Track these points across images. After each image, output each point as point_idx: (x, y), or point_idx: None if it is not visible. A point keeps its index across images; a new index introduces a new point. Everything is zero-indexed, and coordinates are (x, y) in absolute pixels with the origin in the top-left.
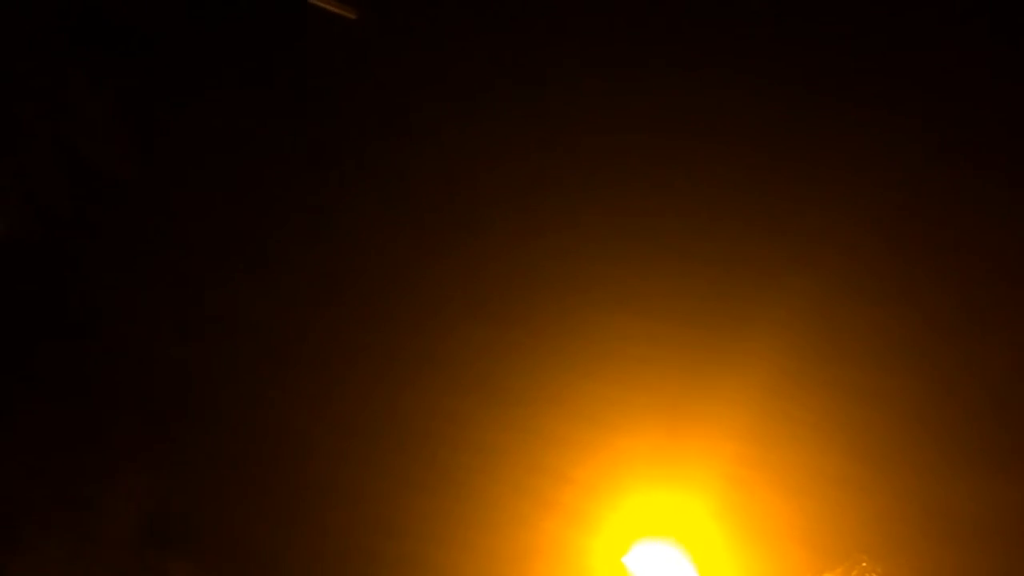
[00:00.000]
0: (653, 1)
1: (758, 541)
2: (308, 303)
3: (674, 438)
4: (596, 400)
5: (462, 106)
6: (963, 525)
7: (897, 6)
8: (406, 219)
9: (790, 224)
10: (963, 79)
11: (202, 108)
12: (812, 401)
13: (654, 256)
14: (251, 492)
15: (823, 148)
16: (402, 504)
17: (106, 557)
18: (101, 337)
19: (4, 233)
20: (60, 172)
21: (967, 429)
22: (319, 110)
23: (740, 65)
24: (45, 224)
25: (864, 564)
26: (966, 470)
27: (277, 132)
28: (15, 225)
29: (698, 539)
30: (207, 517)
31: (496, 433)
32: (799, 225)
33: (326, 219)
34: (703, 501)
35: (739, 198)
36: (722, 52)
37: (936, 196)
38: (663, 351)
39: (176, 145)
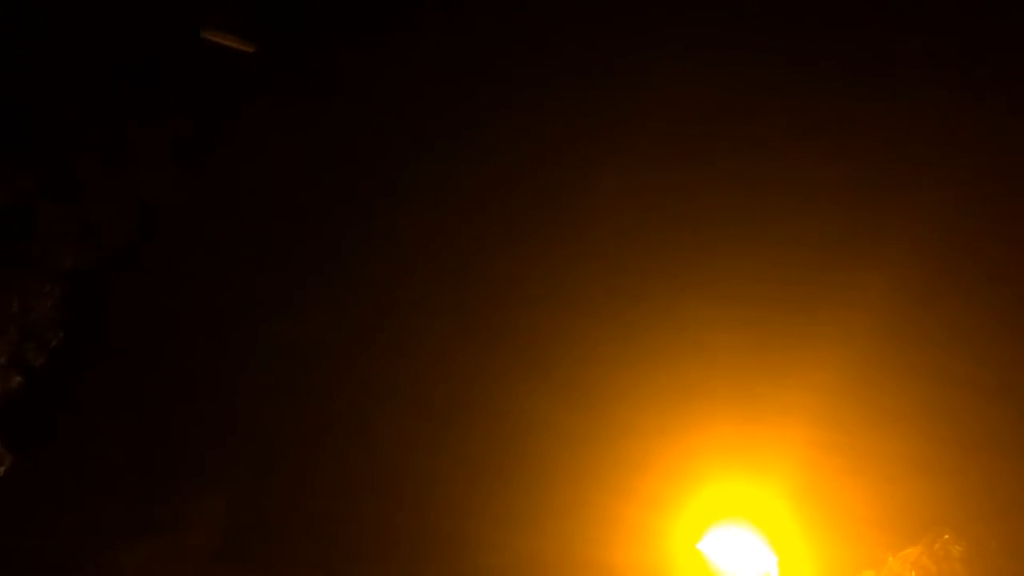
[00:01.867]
0: None
1: (836, 524)
2: (373, 300)
3: (751, 424)
4: (673, 388)
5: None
6: None
7: None
8: (483, 206)
9: (874, 207)
10: None
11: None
12: (891, 385)
13: (732, 242)
14: (330, 495)
15: (913, 129)
16: (481, 490)
17: (187, 572)
18: (170, 361)
19: (74, 264)
20: (118, 208)
21: None
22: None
23: (820, 47)
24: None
25: (946, 538)
26: None
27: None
28: (80, 256)
29: (775, 524)
30: (285, 530)
31: (573, 421)
32: (883, 209)
33: (391, 209)
34: (780, 486)
35: (820, 180)
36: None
37: None
38: (741, 337)
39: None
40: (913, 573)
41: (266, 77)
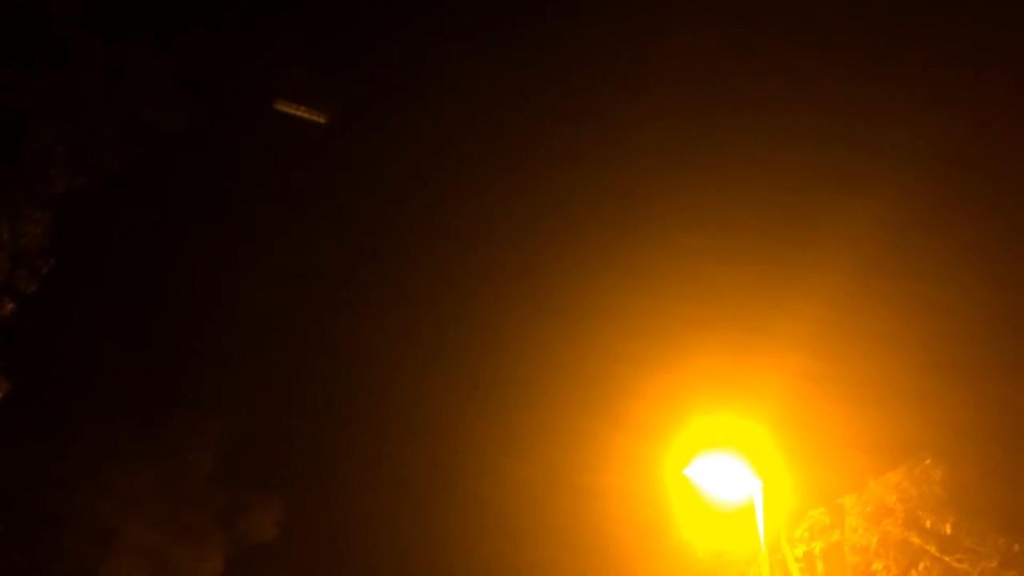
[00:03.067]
0: None
1: (819, 451)
2: (369, 229)
3: (739, 354)
4: (664, 317)
5: None
6: None
7: None
8: (477, 137)
9: (862, 139)
10: None
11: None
12: (876, 315)
13: (723, 172)
14: (325, 422)
15: (901, 65)
16: (473, 418)
17: (190, 493)
18: (167, 288)
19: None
20: (114, 129)
21: None
22: None
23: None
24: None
25: (928, 462)
26: None
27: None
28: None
29: (760, 451)
30: (284, 454)
31: (565, 349)
32: (871, 141)
33: (392, 140)
34: (766, 415)
35: (810, 113)
36: None
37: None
38: (732, 267)
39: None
40: (894, 496)
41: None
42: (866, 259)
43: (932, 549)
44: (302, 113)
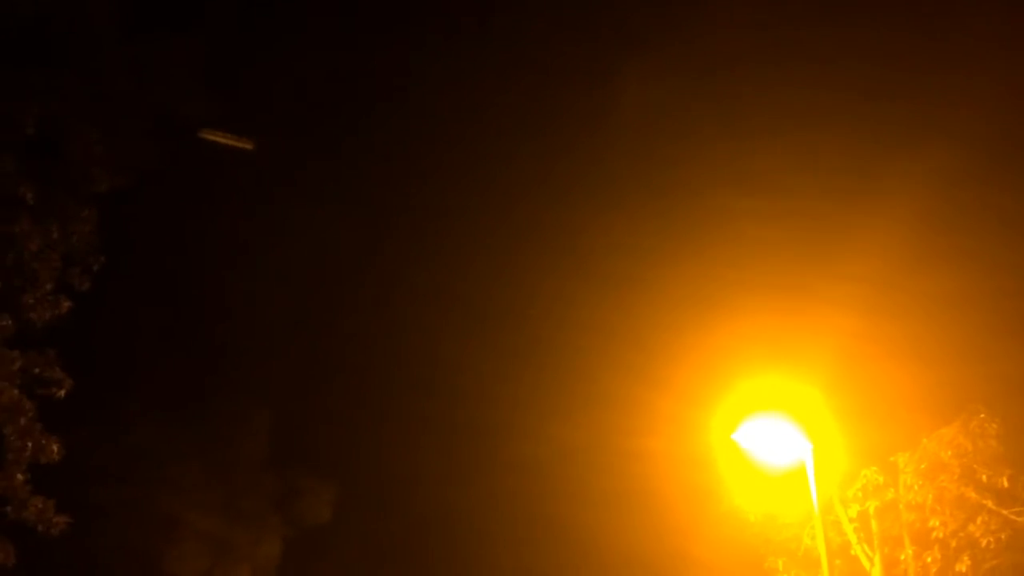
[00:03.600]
0: None
1: (871, 410)
2: (407, 204)
3: (789, 314)
4: (710, 279)
5: None
6: None
7: None
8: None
9: (918, 89)
10: None
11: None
12: (928, 273)
13: (767, 129)
14: (368, 399)
15: (962, 13)
16: (516, 381)
17: (245, 479)
18: (210, 281)
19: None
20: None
21: None
22: None
23: None
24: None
25: (982, 416)
26: None
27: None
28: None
29: (810, 412)
30: (332, 435)
31: (609, 313)
32: (928, 90)
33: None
34: (818, 375)
35: (862, 64)
36: None
37: None
38: (779, 227)
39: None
40: (949, 452)
41: None
42: (920, 215)
43: (989, 503)
44: (228, 141)
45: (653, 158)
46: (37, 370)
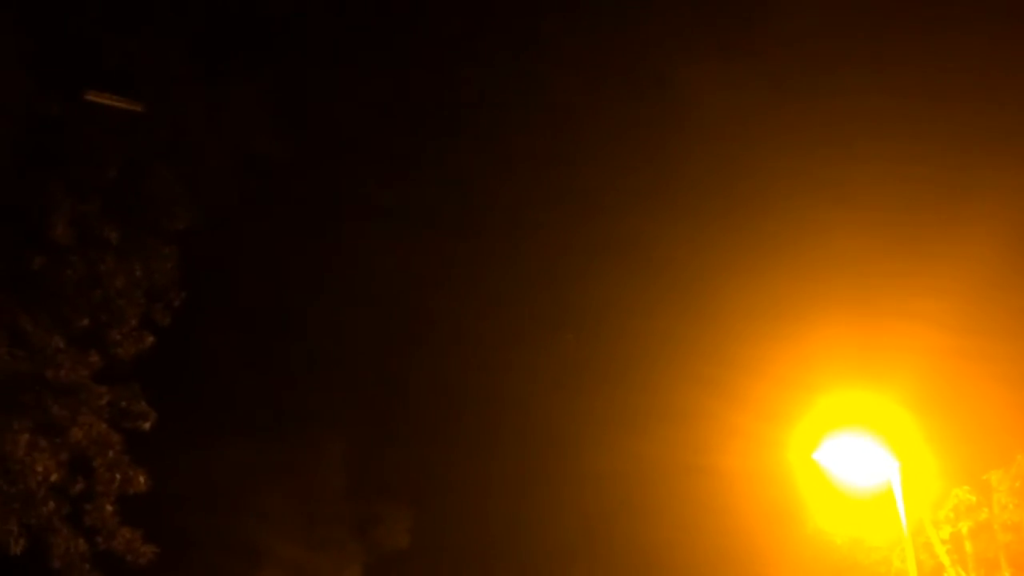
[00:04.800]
0: None
1: (964, 428)
2: (478, 223)
3: (875, 330)
4: (792, 292)
5: None
6: None
7: None
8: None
9: (1012, 101)
10: None
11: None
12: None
13: (854, 137)
14: (441, 422)
15: None
16: (590, 393)
17: (324, 507)
18: (287, 313)
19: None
20: (224, 163)
21: None
22: None
23: None
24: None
25: None
26: None
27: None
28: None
29: (897, 430)
30: (408, 464)
31: (684, 325)
32: (1016, 107)
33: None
34: (905, 392)
35: (954, 69)
36: None
37: None
38: (866, 240)
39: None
40: None
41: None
42: (1016, 227)
43: None
44: (113, 102)
45: (733, 167)
46: (123, 404)
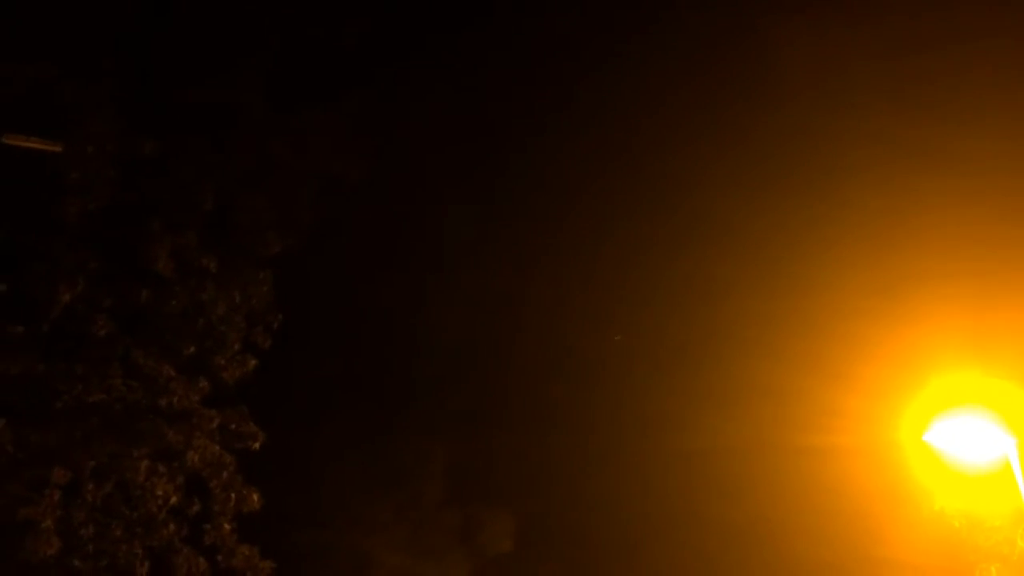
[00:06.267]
0: None
1: None
2: (567, 204)
3: (988, 306)
4: (902, 269)
5: None
6: None
7: None
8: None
9: None
10: None
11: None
12: None
13: (969, 103)
14: (534, 417)
15: None
16: (687, 372)
17: (426, 515)
18: (380, 328)
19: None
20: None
21: None
22: None
23: None
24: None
25: None
26: None
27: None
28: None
29: (1013, 407)
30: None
31: (791, 304)
32: None
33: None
34: (1020, 369)
35: None
36: None
37: None
38: (981, 210)
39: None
40: None
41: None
42: None
43: None
44: (32, 144)
45: (830, 134)
46: (233, 426)
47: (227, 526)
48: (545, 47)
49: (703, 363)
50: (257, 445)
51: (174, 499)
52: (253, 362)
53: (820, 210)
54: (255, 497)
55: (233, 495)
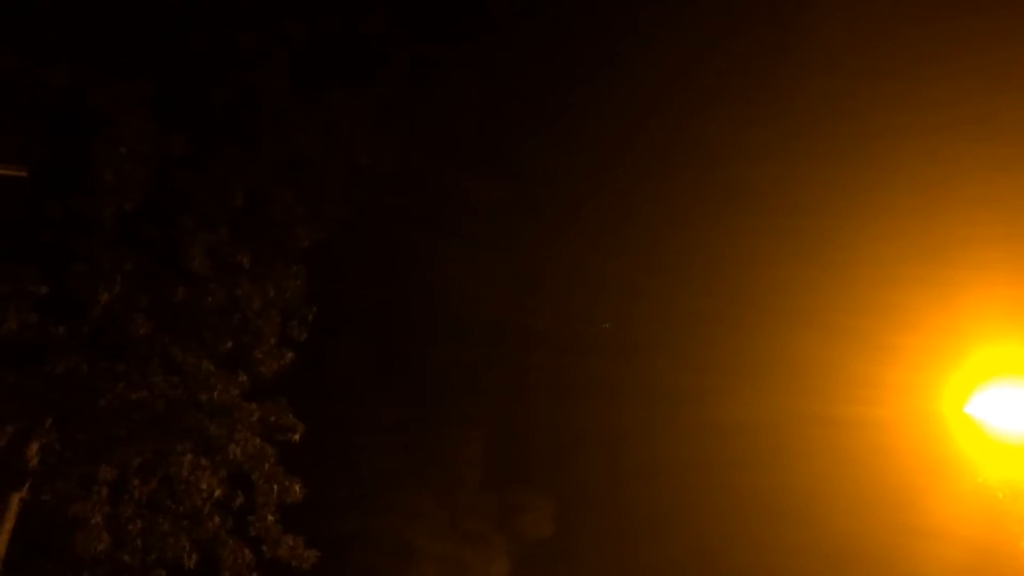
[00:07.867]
0: None
1: None
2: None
3: None
4: (945, 238)
5: None
6: None
7: None
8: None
9: None
10: None
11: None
12: None
13: (1016, 76)
14: (570, 403)
15: None
16: (723, 344)
17: (462, 500)
18: (411, 317)
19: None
20: (339, 180)
21: None
22: None
23: None
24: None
25: None
26: None
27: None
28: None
29: None
30: (541, 450)
31: (829, 275)
32: None
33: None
34: None
35: None
36: None
37: None
38: (1019, 181)
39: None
40: None
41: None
42: None
43: None
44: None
45: (872, 106)
46: (273, 418)
47: (271, 517)
48: (576, 22)
49: (740, 335)
50: (297, 437)
51: (218, 492)
52: (290, 355)
53: (861, 178)
54: (297, 488)
55: (275, 486)
